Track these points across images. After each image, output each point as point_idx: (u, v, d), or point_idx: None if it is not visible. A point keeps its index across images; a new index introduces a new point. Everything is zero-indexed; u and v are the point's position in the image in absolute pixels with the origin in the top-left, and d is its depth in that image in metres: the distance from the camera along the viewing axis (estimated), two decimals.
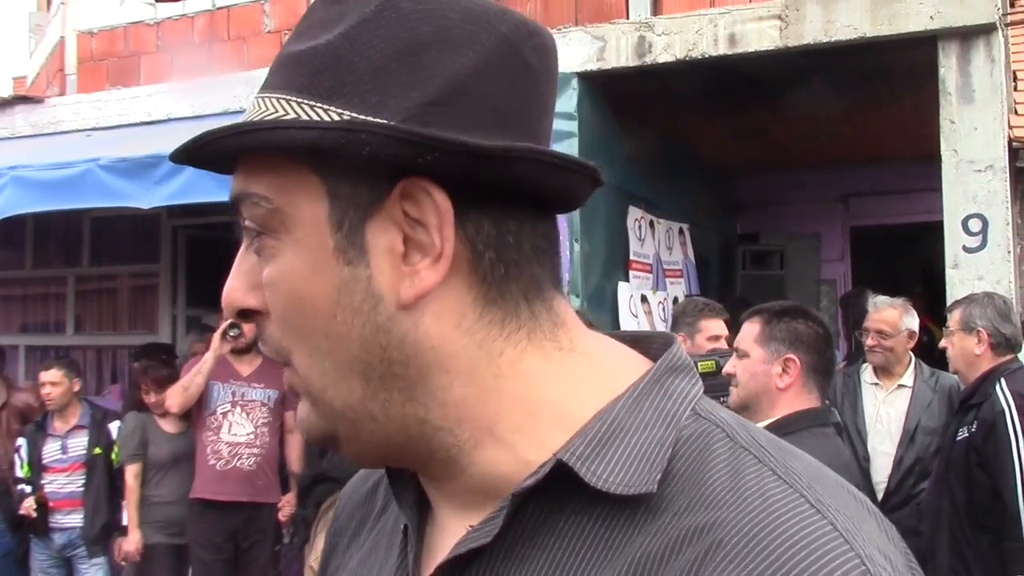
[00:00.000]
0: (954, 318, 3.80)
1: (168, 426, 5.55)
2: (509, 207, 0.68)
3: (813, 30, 5.00)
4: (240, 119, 0.68)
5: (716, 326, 4.00)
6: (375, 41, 0.66)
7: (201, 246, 7.74)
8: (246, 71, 6.26)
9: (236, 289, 0.71)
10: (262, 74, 0.73)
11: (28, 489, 5.62)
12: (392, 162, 0.64)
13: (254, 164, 0.68)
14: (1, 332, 8.06)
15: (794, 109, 6.45)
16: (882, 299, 4.42)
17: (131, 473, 5.44)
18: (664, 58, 5.32)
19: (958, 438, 3.68)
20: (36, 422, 5.84)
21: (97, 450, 5.63)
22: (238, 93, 5.87)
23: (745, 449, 0.65)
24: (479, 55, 0.67)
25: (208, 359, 5.30)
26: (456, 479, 0.71)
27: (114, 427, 5.73)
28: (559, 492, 0.65)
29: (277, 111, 0.67)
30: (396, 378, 0.67)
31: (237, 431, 5.35)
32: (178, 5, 7.24)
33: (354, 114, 0.64)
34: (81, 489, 5.66)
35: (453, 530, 0.71)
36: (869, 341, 4.33)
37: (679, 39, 5.28)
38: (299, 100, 0.66)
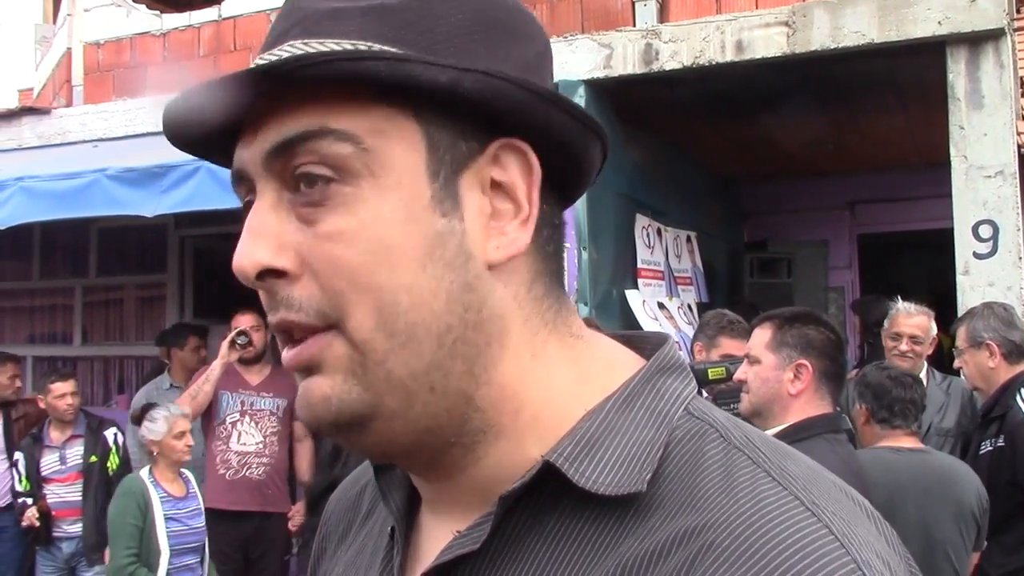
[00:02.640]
0: (960, 336, 3.78)
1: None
2: (554, 192, 0.69)
3: (820, 36, 4.99)
4: (280, 58, 0.62)
5: (735, 346, 3.87)
6: (452, 10, 0.64)
7: (208, 256, 7.74)
8: None
9: (261, 247, 0.63)
10: None
11: (29, 502, 5.60)
12: (511, 114, 0.64)
13: (329, 101, 0.62)
14: (8, 343, 8.05)
15: (801, 116, 6.44)
16: (912, 305, 4.38)
17: None
18: (671, 65, 5.32)
19: (981, 451, 3.64)
20: (32, 434, 5.80)
21: (93, 458, 5.60)
22: None
23: (739, 449, 0.63)
24: (535, 51, 0.69)
25: (216, 367, 5.29)
26: (456, 477, 0.68)
27: (109, 435, 5.70)
28: (549, 493, 0.64)
29: (377, 51, 0.62)
30: (467, 344, 0.64)
31: (246, 440, 5.33)
32: (184, 16, 7.26)
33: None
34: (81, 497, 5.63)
35: (440, 534, 0.69)
36: (903, 346, 4.28)
37: (686, 46, 5.27)
38: (396, 48, 0.62)
